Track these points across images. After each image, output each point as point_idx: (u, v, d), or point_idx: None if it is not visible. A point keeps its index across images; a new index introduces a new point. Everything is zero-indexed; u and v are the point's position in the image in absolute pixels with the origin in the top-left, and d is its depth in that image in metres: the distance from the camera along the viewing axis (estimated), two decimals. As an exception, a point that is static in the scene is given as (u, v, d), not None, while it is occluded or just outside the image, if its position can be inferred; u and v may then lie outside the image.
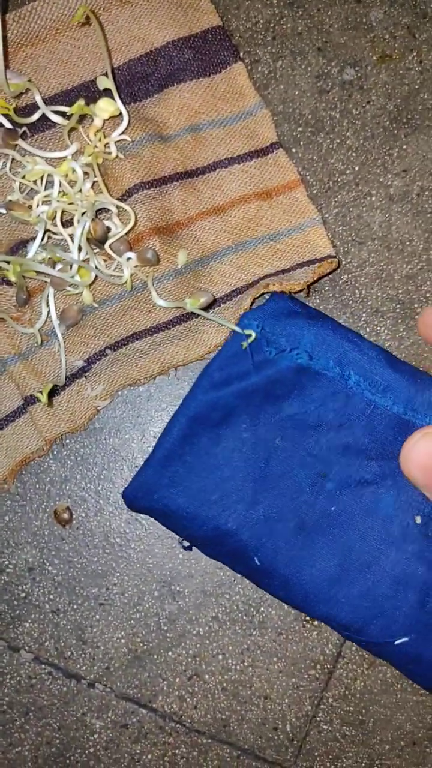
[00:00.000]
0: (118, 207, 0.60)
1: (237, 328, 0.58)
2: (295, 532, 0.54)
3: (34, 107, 0.60)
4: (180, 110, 0.62)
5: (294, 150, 0.64)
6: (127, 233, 0.60)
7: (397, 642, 0.53)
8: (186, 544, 0.60)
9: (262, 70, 0.64)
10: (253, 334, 0.57)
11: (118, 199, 0.60)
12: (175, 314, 0.61)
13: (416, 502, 0.54)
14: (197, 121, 0.63)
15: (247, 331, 0.57)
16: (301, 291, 0.61)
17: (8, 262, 0.58)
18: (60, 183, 0.59)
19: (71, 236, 0.58)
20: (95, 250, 0.59)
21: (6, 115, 0.59)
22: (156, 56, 0.62)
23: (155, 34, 0.62)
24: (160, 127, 0.62)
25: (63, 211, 0.60)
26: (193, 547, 0.59)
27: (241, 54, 0.64)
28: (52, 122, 0.60)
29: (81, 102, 0.58)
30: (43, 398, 0.56)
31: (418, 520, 0.54)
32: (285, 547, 0.54)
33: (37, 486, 0.61)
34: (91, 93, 0.62)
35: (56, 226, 0.59)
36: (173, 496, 0.55)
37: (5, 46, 0.58)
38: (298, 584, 0.54)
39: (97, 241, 0.57)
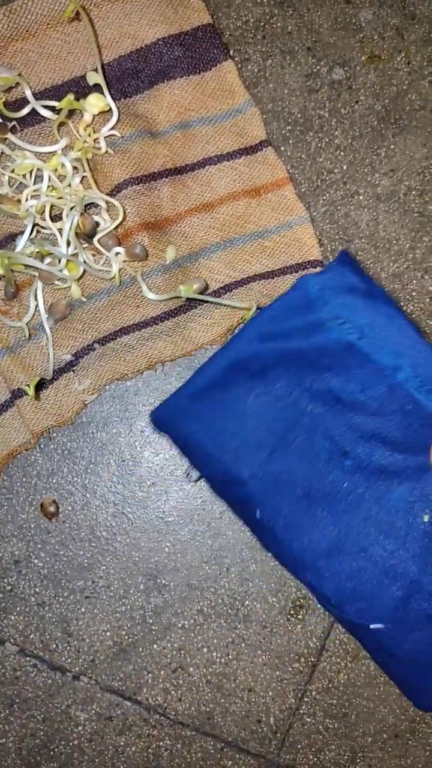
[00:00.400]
0: (107, 202, 0.60)
1: (241, 305, 0.59)
2: (300, 498, 0.54)
3: (24, 101, 0.60)
4: (170, 107, 0.63)
5: (283, 148, 0.65)
6: (116, 228, 0.60)
7: (372, 626, 0.53)
8: (194, 477, 0.60)
9: (251, 69, 0.65)
10: (253, 309, 0.57)
11: (107, 194, 0.61)
12: (163, 309, 0.61)
13: (429, 501, 0.54)
14: (187, 117, 0.63)
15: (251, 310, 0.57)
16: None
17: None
18: (49, 177, 0.59)
19: (60, 230, 0.59)
20: (84, 245, 0.59)
21: (-4, 109, 0.59)
22: (146, 53, 0.62)
23: (146, 31, 0.62)
24: (149, 124, 0.62)
25: (52, 206, 0.60)
26: (176, 525, 0.60)
27: (231, 52, 0.65)
28: (42, 117, 0.61)
29: (70, 97, 0.58)
30: (30, 391, 0.56)
31: (426, 518, 0.54)
32: (288, 508, 0.54)
33: (24, 479, 0.61)
34: (81, 88, 0.62)
35: (45, 220, 0.59)
36: (195, 431, 0.55)
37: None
38: (291, 547, 0.54)
39: (86, 235, 0.58)
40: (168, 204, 0.62)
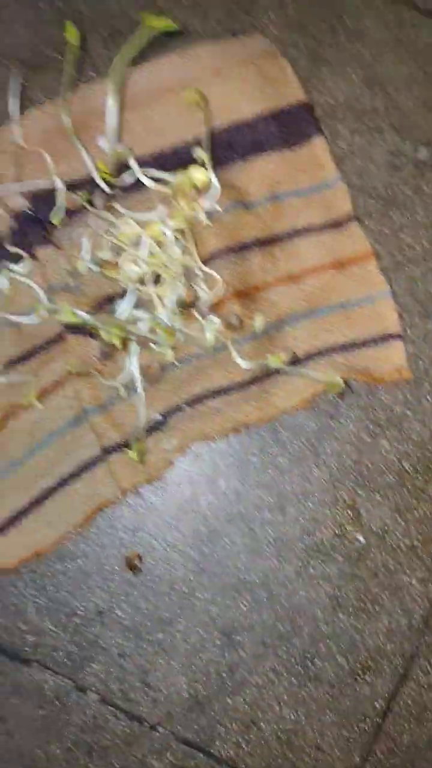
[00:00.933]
0: (203, 271, 0.62)
1: (326, 379, 0.61)
2: None
3: (123, 167, 0.63)
4: (262, 179, 0.65)
5: (366, 222, 0.67)
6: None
7: None
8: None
9: (340, 144, 0.68)
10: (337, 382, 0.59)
11: (201, 262, 0.63)
12: (249, 375, 0.64)
13: None
14: (277, 190, 0.66)
15: (334, 382, 0.59)
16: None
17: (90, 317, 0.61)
18: (150, 244, 0.62)
19: (159, 297, 0.61)
20: (181, 312, 0.62)
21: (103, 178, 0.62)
22: (243, 127, 0.65)
23: (244, 106, 0.65)
24: (242, 195, 0.65)
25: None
26: (251, 600, 0.62)
27: (322, 127, 0.67)
28: (142, 184, 0.64)
29: (179, 177, 0.61)
30: (134, 455, 0.58)
31: None
32: None
33: (110, 532, 0.63)
34: (180, 158, 0.65)
35: (144, 285, 0.62)
36: None
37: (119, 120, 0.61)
38: None
39: (186, 304, 0.60)
40: (258, 273, 0.65)
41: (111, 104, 0.59)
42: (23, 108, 0.65)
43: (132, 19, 0.67)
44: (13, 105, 0.63)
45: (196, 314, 0.62)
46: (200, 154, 0.62)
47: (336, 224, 0.66)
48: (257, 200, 0.65)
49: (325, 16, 0.68)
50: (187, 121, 0.65)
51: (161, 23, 0.61)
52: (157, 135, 0.65)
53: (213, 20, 0.67)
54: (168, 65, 0.64)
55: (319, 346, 0.65)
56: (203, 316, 0.61)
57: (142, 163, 0.64)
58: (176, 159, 0.65)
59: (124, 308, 0.61)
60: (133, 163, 0.62)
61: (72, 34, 0.62)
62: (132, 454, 0.59)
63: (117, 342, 0.61)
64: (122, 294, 0.63)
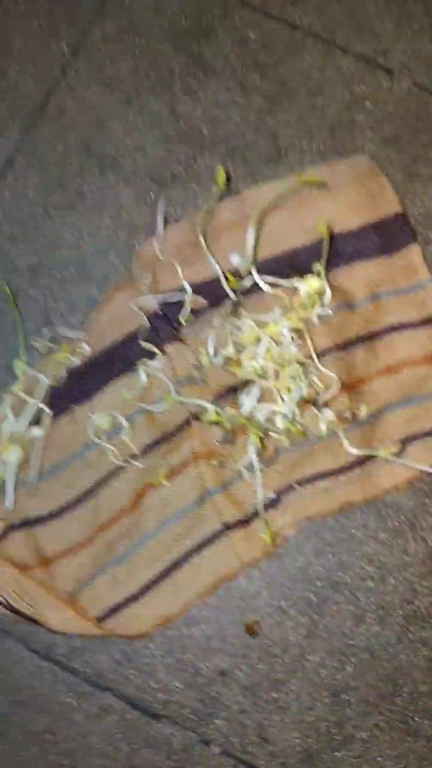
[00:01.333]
0: (318, 368, 0.70)
1: (423, 466, 0.69)
2: None
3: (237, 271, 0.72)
4: (364, 282, 0.73)
5: (456, 319, 0.75)
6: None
7: None
8: None
9: (431, 250, 0.76)
10: None
11: (311, 358, 0.71)
12: (355, 459, 0.71)
13: None
14: (377, 291, 0.74)
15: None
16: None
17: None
18: (269, 343, 0.70)
19: (279, 391, 0.69)
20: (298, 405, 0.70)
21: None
22: (349, 236, 0.73)
23: (350, 219, 0.73)
24: (347, 296, 0.73)
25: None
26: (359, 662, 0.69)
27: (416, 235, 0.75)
28: (259, 286, 0.72)
29: (297, 284, 0.69)
30: (268, 539, 0.66)
31: None
32: None
33: (230, 600, 0.71)
34: (293, 263, 0.73)
35: (265, 379, 0.70)
36: None
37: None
38: None
39: (306, 400, 0.68)
40: (361, 367, 0.72)
41: (251, 233, 0.67)
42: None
43: (246, 138, 0.76)
44: (159, 223, 0.72)
45: (313, 408, 0.69)
46: (318, 267, 0.70)
47: (429, 321, 0.74)
48: (360, 301, 0.73)
49: (417, 135, 0.77)
50: (300, 231, 0.73)
51: (312, 179, 0.70)
52: (274, 243, 0.73)
53: (318, 140, 0.76)
54: (286, 186, 0.73)
55: (415, 432, 0.72)
56: (319, 410, 0.69)
57: (260, 267, 0.72)
58: (290, 263, 0.73)
59: (248, 403, 0.69)
60: (254, 272, 0.70)
61: (221, 178, 0.70)
62: (264, 536, 0.66)
63: (237, 429, 0.69)
64: (242, 385, 0.71)
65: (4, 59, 0.79)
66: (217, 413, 0.69)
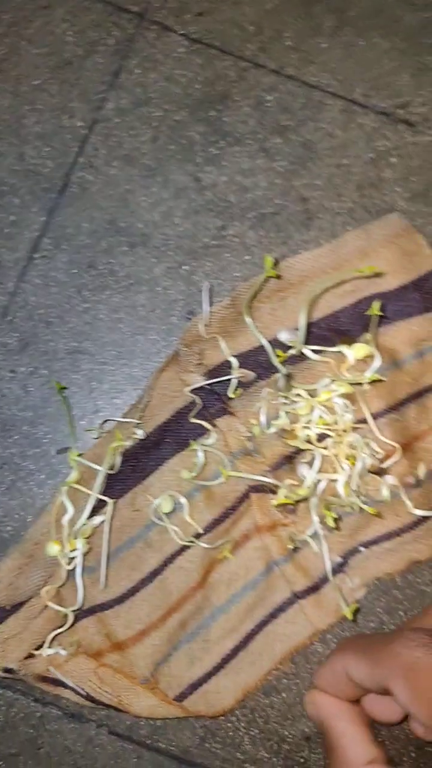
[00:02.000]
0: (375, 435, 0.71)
1: None
2: None
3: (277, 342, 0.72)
4: (409, 340, 0.74)
5: None
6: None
7: None
8: None
9: (467, 297, 0.76)
10: None
11: (364, 422, 0.72)
12: (418, 518, 0.72)
13: None
14: (421, 347, 0.74)
15: None
16: None
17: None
18: (322, 411, 0.70)
19: (338, 459, 0.70)
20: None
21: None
22: (390, 296, 0.74)
23: (389, 280, 0.74)
24: (393, 356, 0.74)
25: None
26: None
27: (451, 284, 0.76)
28: (305, 355, 0.72)
29: (346, 352, 0.70)
30: (349, 614, 0.67)
31: None
32: None
33: (306, 665, 0.72)
34: (334, 325, 0.73)
35: (323, 448, 0.70)
36: None
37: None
38: None
39: (369, 470, 0.69)
40: (414, 425, 0.73)
41: (302, 318, 0.67)
42: (191, 294, 0.74)
43: (275, 203, 0.76)
44: (205, 306, 0.72)
45: (374, 475, 0.70)
46: (367, 338, 0.70)
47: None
48: (405, 359, 0.74)
49: (443, 183, 0.77)
50: (339, 294, 0.73)
51: (367, 270, 0.69)
52: (314, 309, 0.73)
53: (348, 200, 0.76)
54: (323, 252, 0.73)
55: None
56: (380, 476, 0.70)
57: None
58: (331, 327, 0.73)
59: (309, 476, 0.69)
60: (304, 348, 0.71)
61: (269, 264, 0.69)
62: (346, 612, 0.67)
63: (298, 499, 0.70)
64: (297, 453, 0.71)
65: (18, 142, 0.78)
66: (287, 497, 0.69)
